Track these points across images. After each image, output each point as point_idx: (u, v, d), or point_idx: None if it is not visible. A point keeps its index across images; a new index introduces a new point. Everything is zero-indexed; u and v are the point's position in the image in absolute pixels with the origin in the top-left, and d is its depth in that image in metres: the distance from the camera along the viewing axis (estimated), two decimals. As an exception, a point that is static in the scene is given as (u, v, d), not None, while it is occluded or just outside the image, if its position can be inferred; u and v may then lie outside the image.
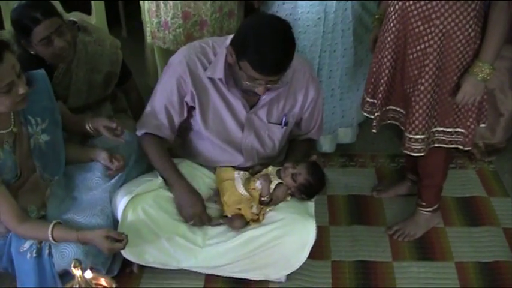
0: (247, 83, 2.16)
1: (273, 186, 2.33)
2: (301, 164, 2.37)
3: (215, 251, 2.32)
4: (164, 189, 2.37)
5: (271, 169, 2.40)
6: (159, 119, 2.37)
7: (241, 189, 2.37)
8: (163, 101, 2.34)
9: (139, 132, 2.41)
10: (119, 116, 2.83)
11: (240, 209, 2.34)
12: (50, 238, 2.09)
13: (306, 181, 2.34)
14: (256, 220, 2.35)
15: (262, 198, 2.33)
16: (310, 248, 2.26)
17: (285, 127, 2.43)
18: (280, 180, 2.34)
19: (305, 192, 2.36)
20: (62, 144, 2.33)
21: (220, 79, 2.27)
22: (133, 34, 4.23)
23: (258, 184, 2.35)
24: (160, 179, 2.38)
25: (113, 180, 2.39)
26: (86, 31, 2.59)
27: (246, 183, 2.40)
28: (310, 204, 2.39)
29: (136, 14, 3.42)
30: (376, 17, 2.57)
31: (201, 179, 2.49)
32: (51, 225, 2.09)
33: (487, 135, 3.11)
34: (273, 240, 2.27)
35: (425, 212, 2.68)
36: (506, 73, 2.94)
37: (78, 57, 2.54)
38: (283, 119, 2.41)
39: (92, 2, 3.43)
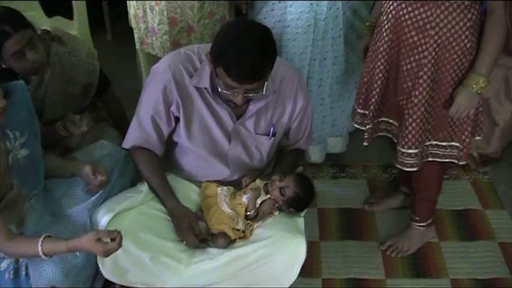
0: (224, 91, 2.06)
1: (259, 201, 2.24)
2: (289, 177, 2.27)
3: (201, 269, 2.21)
4: (147, 206, 2.27)
5: (258, 183, 2.31)
6: (147, 131, 2.27)
7: (224, 207, 2.27)
8: (149, 112, 2.24)
9: (126, 145, 2.32)
10: (100, 125, 2.73)
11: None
12: (41, 253, 1.95)
13: (295, 194, 2.24)
14: (243, 237, 2.25)
15: (248, 213, 2.23)
16: (300, 266, 2.15)
17: (272, 138, 2.34)
18: (267, 196, 2.25)
19: (294, 205, 2.27)
20: (41, 157, 2.23)
21: (206, 88, 2.18)
22: (118, 37, 4.15)
23: (244, 199, 2.26)
24: (142, 195, 2.27)
25: (93, 197, 2.28)
26: (60, 41, 2.46)
27: (232, 198, 2.30)
28: (300, 221, 2.29)
29: (122, 17, 3.33)
30: (367, 24, 2.49)
31: (187, 195, 2.38)
32: (40, 240, 1.96)
33: (482, 145, 3.03)
34: (261, 258, 2.16)
35: (419, 227, 2.60)
36: (502, 82, 2.86)
37: (52, 69, 2.42)
38: (271, 130, 2.32)
39: (74, 6, 3.33)
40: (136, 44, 2.98)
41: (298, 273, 2.16)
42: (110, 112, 2.81)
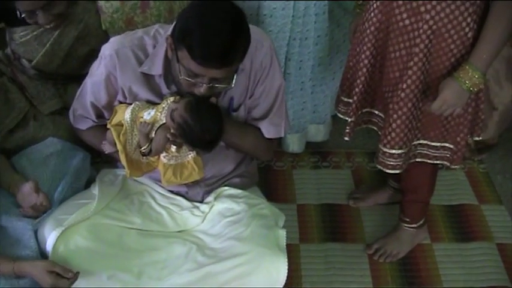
0: (186, 79, 1.75)
1: (153, 132, 1.85)
2: (184, 99, 1.82)
3: (166, 286, 1.95)
4: (101, 215, 1.99)
5: (172, 100, 1.85)
6: (88, 112, 2.09)
7: (127, 114, 1.90)
8: (89, 96, 2.04)
9: (70, 119, 2.17)
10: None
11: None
12: None
13: (182, 120, 1.77)
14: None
15: (142, 149, 1.88)
16: None
17: (234, 113, 2.01)
18: (164, 121, 1.85)
19: (186, 139, 1.81)
20: None
21: (159, 75, 1.90)
22: None
23: (145, 115, 1.87)
24: (95, 203, 1.99)
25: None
26: None
27: (142, 109, 1.91)
28: (281, 234, 1.98)
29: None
30: (360, 2, 2.15)
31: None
32: None
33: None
34: (236, 279, 1.88)
35: (409, 228, 2.34)
36: (503, 62, 2.55)
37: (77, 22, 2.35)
38: (231, 102, 1.99)
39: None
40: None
41: (278, 295, 1.90)
42: None
